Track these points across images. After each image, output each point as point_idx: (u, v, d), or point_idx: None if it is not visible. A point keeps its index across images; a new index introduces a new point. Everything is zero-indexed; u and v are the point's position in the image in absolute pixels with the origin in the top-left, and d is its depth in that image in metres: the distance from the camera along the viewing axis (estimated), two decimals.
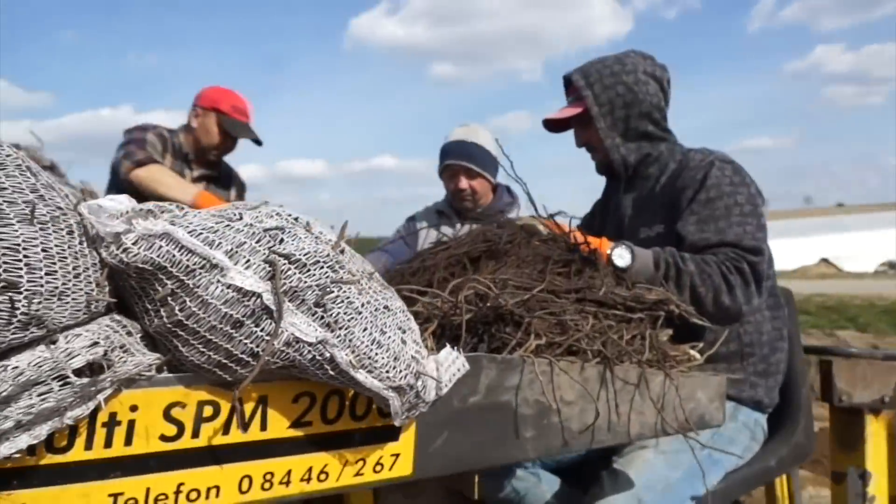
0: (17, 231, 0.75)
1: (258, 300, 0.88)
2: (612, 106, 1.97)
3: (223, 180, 3.17)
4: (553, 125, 2.11)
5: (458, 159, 2.76)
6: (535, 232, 1.74)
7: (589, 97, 1.97)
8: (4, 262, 0.74)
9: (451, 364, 1.08)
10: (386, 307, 1.02)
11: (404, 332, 1.01)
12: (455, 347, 1.10)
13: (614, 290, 1.44)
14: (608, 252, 1.72)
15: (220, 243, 0.88)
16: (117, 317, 0.90)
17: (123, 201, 0.88)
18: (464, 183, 2.77)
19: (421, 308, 1.29)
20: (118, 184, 2.72)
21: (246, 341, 0.89)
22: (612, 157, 2.00)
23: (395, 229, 3.06)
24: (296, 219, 0.99)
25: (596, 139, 2.01)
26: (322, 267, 0.94)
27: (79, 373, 0.81)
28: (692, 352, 1.49)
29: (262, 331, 0.89)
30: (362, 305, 0.97)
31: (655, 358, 1.37)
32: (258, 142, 3.09)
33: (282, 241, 0.93)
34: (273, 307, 0.88)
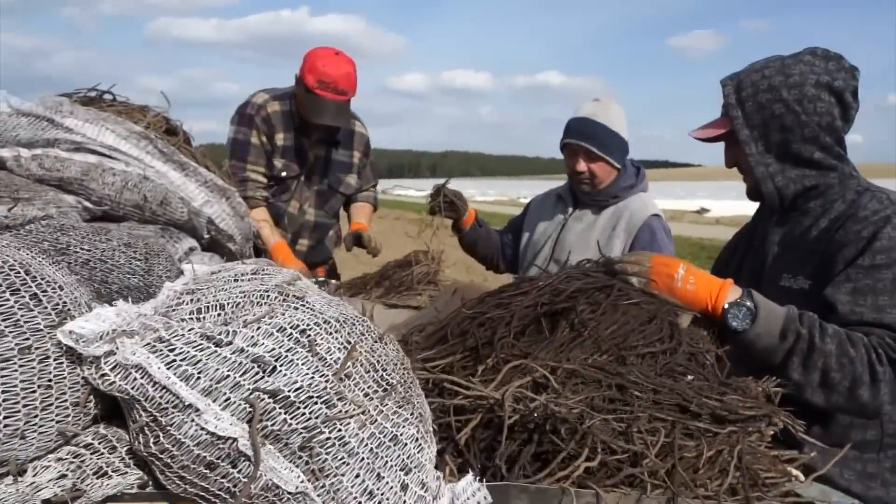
0: None
1: (234, 444, 0.80)
2: (766, 129, 1.62)
3: (344, 140, 3.02)
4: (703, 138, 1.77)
5: (579, 139, 2.48)
6: (622, 273, 1.52)
7: (738, 118, 1.64)
8: None
9: (469, 497, 0.96)
10: (395, 437, 0.91)
11: (408, 471, 0.90)
12: (478, 477, 0.97)
13: (703, 393, 1.22)
14: (724, 307, 1.47)
15: (198, 378, 0.80)
16: (103, 430, 0.86)
17: (109, 317, 0.82)
18: (582, 165, 2.51)
19: (464, 401, 1.16)
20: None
21: (222, 481, 0.82)
22: (764, 189, 1.66)
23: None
24: (301, 332, 0.89)
25: (745, 163, 1.69)
26: (315, 403, 0.84)
27: (48, 502, 0.78)
28: (794, 471, 1.24)
29: (238, 472, 0.82)
30: (360, 443, 0.86)
31: (740, 484, 1.15)
32: (333, 130, 2.83)
33: (273, 370, 0.83)
34: (249, 452, 0.80)
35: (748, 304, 1.45)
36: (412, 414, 0.96)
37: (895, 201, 1.55)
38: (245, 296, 0.97)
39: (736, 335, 1.44)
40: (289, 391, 0.82)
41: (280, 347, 0.86)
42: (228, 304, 0.95)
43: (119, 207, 1.93)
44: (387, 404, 0.93)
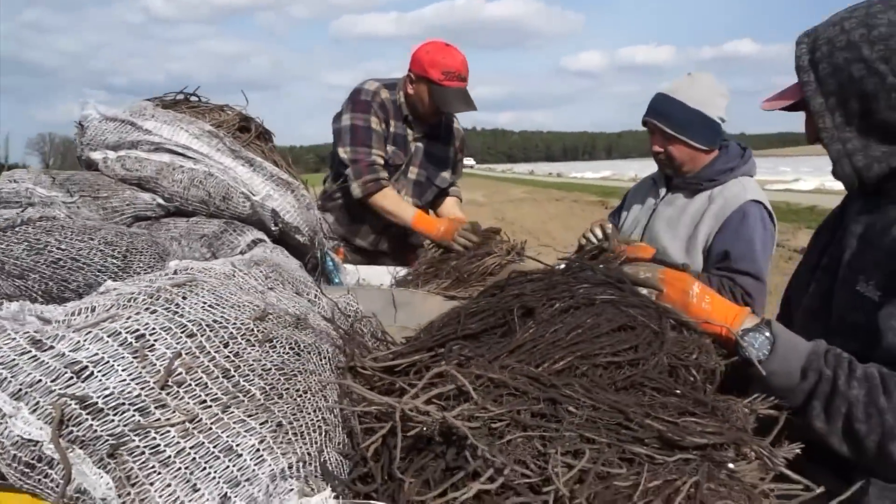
0: None
1: (40, 447, 0.82)
2: (843, 96, 1.29)
3: (444, 136, 3.09)
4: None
5: (654, 118, 2.31)
6: (632, 279, 1.34)
7: (810, 84, 1.33)
8: None
9: None
10: (229, 448, 0.87)
11: (237, 484, 0.86)
12: (337, 495, 0.91)
13: (652, 413, 1.03)
14: (737, 334, 1.25)
15: (10, 381, 0.83)
16: None
17: None
18: (657, 146, 2.32)
19: (370, 408, 1.09)
20: (338, 161, 2.90)
21: (45, 480, 0.84)
22: (839, 170, 1.33)
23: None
24: (139, 337, 0.89)
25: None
26: (127, 411, 0.83)
27: None
28: None
29: (56, 474, 0.83)
30: (179, 452, 0.84)
31: None
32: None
33: (89, 376, 0.84)
34: (55, 456, 0.81)
35: (766, 333, 1.22)
36: (264, 423, 0.92)
37: None
38: (119, 297, 0.99)
39: (750, 368, 1.22)
40: (97, 397, 0.83)
41: (104, 353, 0.86)
42: (100, 306, 0.98)
43: (187, 203, 2.08)
44: (232, 413, 0.90)
